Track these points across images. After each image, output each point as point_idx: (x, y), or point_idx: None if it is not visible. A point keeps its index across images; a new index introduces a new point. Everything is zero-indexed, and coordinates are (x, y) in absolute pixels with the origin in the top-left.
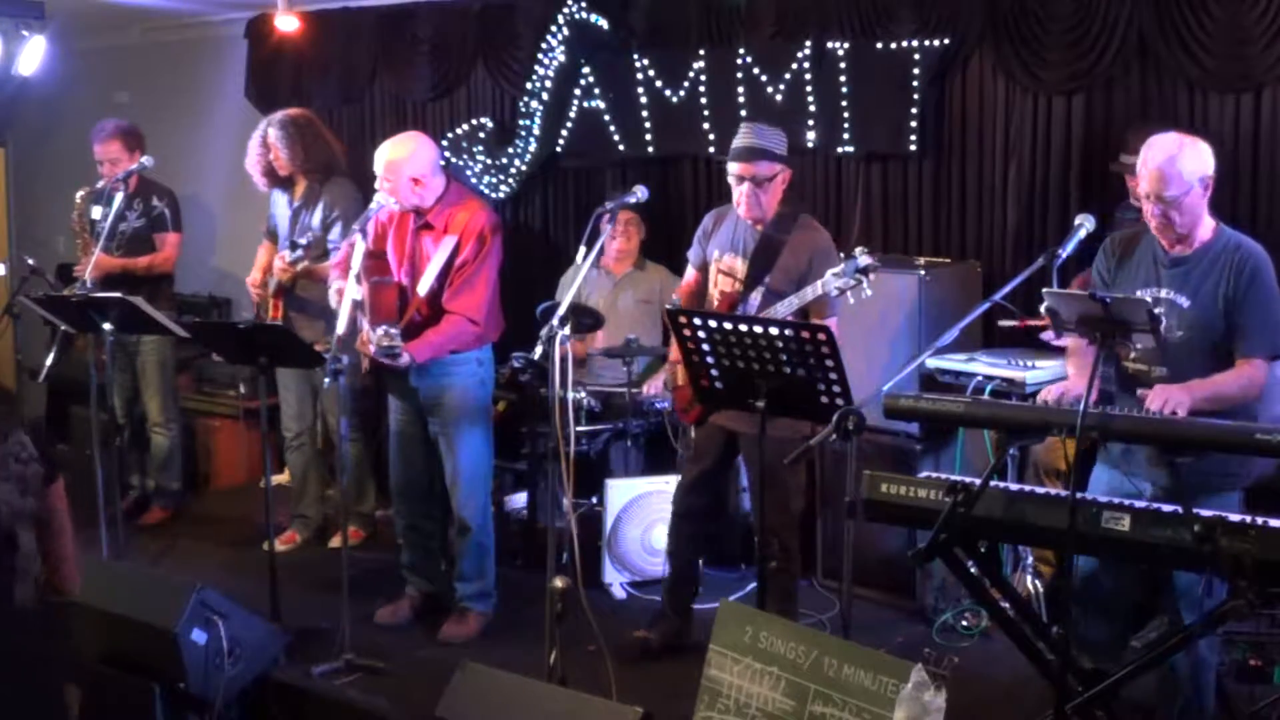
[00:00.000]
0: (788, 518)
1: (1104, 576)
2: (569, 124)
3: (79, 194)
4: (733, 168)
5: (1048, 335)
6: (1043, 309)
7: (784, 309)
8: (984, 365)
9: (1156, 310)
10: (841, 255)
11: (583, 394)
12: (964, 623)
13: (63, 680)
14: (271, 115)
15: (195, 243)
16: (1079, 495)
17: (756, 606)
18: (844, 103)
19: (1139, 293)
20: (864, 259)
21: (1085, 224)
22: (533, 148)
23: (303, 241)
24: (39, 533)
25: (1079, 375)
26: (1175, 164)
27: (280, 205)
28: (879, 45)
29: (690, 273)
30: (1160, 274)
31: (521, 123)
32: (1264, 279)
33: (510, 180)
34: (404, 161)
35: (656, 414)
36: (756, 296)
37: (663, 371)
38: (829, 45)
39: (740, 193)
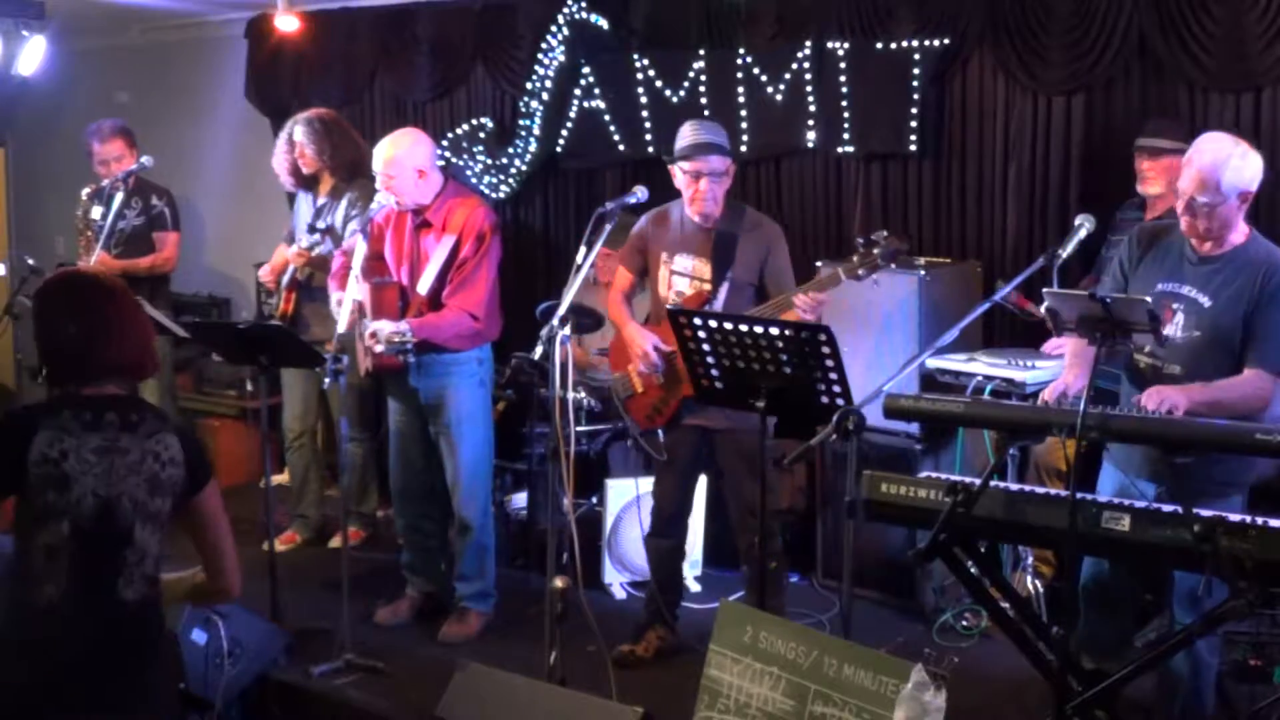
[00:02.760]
0: (776, 511)
1: (1112, 576)
2: (569, 124)
3: (84, 191)
4: (685, 165)
5: (1049, 345)
6: (1043, 309)
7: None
8: (984, 365)
9: (1175, 306)
10: (860, 241)
11: (583, 394)
12: (964, 623)
13: (173, 679)
14: (297, 115)
15: (194, 243)
16: (1079, 495)
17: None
18: (844, 103)
19: (1159, 285)
20: (893, 242)
21: (1085, 224)
22: (533, 148)
23: (321, 226)
24: (195, 539)
25: (1074, 373)
26: (1218, 171)
27: (303, 206)
28: (879, 45)
29: (623, 275)
30: (1186, 270)
31: (521, 123)
32: None
33: (510, 180)
34: (406, 155)
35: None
36: (723, 291)
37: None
38: (829, 45)
39: (696, 190)
